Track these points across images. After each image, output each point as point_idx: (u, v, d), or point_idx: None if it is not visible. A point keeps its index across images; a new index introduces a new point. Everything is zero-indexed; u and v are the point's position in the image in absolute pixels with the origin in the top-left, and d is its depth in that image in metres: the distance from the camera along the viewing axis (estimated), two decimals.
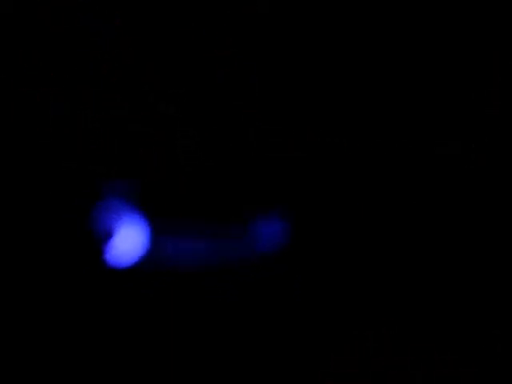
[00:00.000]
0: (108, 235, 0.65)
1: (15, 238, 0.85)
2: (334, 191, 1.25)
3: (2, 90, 1.18)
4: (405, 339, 1.07)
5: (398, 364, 1.05)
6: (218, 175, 1.24)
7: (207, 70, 1.23)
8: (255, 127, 1.24)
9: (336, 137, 1.24)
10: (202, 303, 0.84)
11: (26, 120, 1.20)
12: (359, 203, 1.24)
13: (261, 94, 1.25)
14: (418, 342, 1.07)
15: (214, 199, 1.00)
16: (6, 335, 0.90)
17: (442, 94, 1.20)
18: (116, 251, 0.64)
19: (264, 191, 1.18)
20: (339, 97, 1.23)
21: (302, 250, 1.03)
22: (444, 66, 1.20)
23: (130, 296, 0.81)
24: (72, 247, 0.80)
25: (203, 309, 0.85)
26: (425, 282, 1.15)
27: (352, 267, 1.16)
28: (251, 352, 0.93)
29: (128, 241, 0.63)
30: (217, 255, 0.64)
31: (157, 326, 0.87)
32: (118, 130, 1.24)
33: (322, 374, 1.01)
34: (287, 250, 0.91)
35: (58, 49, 1.22)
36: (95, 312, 0.85)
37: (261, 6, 1.20)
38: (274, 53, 1.23)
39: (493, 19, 1.18)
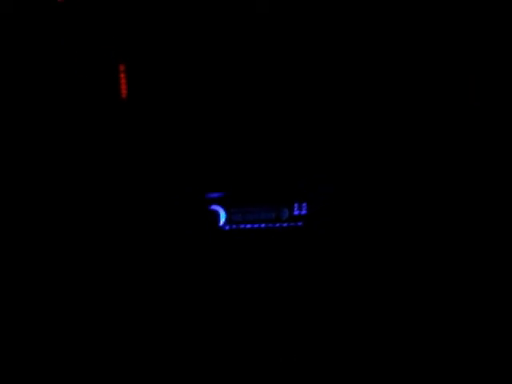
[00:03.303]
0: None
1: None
2: (333, 191, 1.25)
3: (2, 91, 1.21)
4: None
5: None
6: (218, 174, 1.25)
7: (207, 70, 1.24)
8: (255, 127, 1.25)
9: (336, 137, 1.24)
10: None
11: (25, 120, 1.22)
12: (359, 203, 1.23)
13: (261, 93, 1.25)
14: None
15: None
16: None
17: (442, 95, 1.20)
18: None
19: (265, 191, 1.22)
20: (339, 96, 1.23)
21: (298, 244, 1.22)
22: (445, 67, 1.19)
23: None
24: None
25: None
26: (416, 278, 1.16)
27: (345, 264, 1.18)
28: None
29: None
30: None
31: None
32: (119, 130, 1.26)
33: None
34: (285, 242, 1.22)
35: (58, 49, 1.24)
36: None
37: (261, 6, 1.21)
38: (273, 53, 1.23)
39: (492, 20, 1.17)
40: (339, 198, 1.18)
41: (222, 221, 1.18)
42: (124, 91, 1.16)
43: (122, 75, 1.16)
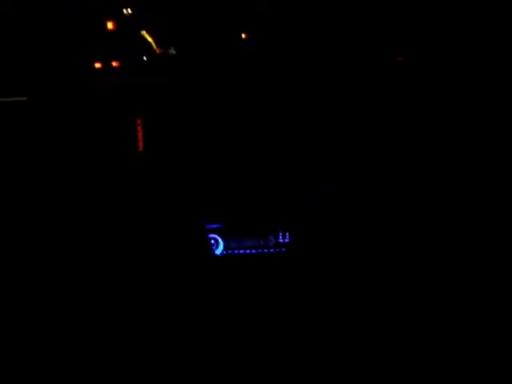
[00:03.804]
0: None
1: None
2: (334, 191, 1.25)
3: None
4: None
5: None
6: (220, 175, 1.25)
7: (208, 69, 1.24)
8: (256, 127, 1.25)
9: (337, 137, 1.24)
10: None
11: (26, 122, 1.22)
12: (359, 203, 1.24)
13: (261, 91, 1.25)
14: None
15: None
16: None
17: (442, 95, 1.20)
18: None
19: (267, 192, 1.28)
20: (339, 96, 1.23)
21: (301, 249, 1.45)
22: (445, 68, 1.19)
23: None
24: None
25: None
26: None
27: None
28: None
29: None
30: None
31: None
32: (120, 131, 1.25)
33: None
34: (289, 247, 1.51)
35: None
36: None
37: (261, 6, 1.21)
38: (273, 52, 1.23)
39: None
40: (319, 228, 1.44)
41: (221, 247, 1.51)
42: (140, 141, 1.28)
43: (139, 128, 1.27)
